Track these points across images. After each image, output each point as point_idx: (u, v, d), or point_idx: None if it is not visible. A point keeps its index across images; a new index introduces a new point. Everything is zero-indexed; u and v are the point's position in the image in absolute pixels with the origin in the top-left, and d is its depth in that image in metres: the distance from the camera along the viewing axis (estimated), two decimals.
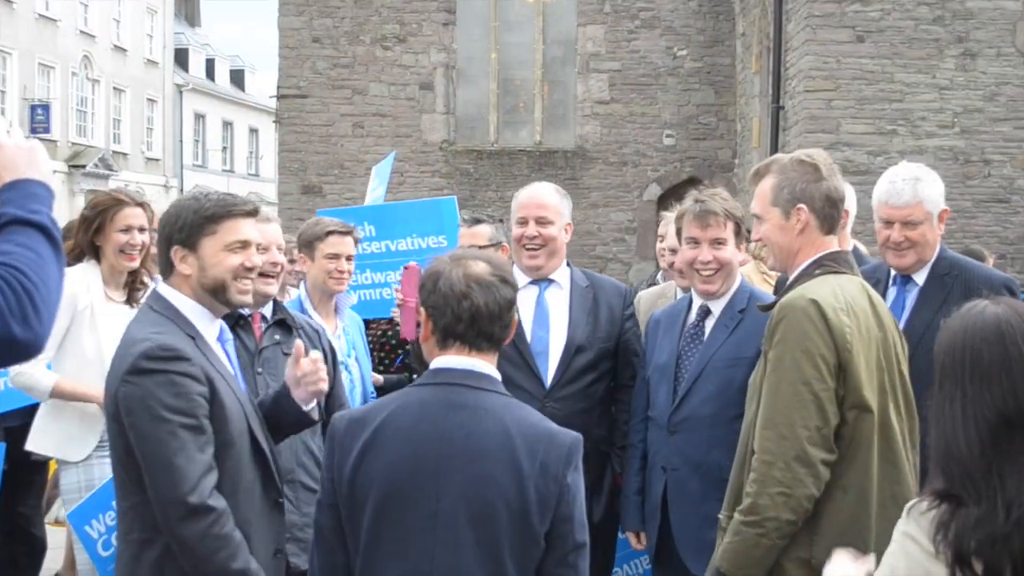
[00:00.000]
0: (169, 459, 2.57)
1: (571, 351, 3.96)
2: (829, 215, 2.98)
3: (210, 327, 2.86)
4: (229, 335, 2.99)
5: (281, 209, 16.83)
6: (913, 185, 3.65)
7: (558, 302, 4.03)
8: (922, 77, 13.31)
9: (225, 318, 3.38)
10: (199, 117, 44.19)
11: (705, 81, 17.92)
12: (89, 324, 4.13)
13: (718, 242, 3.62)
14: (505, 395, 2.38)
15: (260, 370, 3.53)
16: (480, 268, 2.37)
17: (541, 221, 3.98)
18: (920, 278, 3.77)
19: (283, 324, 3.69)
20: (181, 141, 41.94)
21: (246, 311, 3.60)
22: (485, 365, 2.38)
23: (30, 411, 4.50)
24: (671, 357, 3.66)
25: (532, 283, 4.03)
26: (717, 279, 3.63)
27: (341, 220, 4.69)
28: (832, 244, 3.01)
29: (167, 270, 2.84)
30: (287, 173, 17.97)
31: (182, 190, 40.94)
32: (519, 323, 3.74)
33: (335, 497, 2.37)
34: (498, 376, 2.40)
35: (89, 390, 4.09)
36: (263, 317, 3.68)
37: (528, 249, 3.98)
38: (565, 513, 2.30)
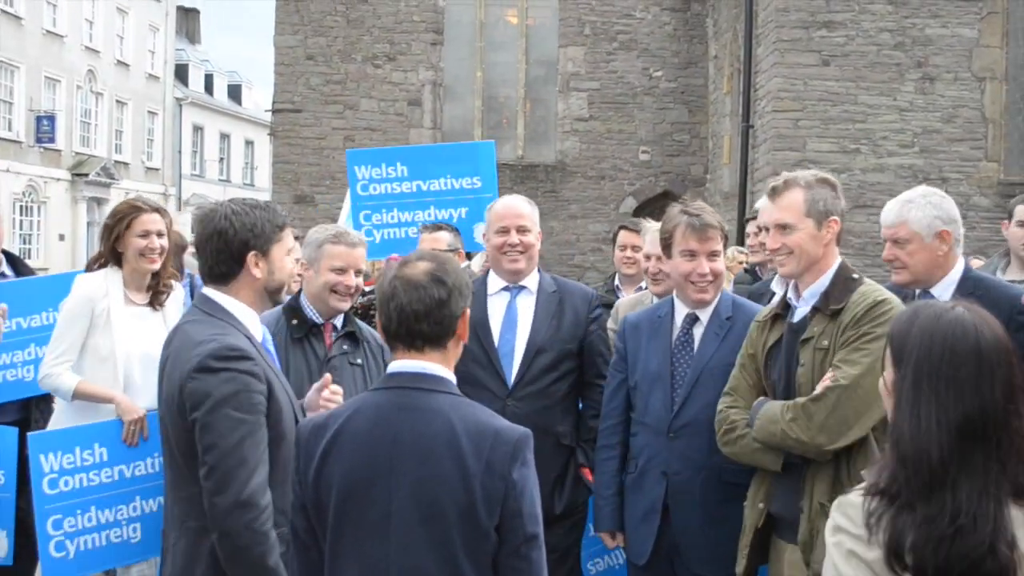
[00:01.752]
0: (228, 451, 2.60)
1: (532, 352, 3.98)
2: (842, 228, 3.20)
3: (258, 329, 2.91)
4: (270, 336, 3.08)
5: None
6: (901, 206, 3.64)
7: (526, 306, 4.06)
8: (884, 99, 13.32)
9: (298, 326, 3.64)
10: (197, 129, 44.10)
11: (679, 100, 17.95)
12: (104, 326, 4.12)
13: (714, 254, 3.60)
14: (455, 395, 2.36)
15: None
16: (415, 270, 2.36)
17: (521, 229, 4.04)
18: (945, 295, 3.65)
19: (352, 336, 3.76)
20: (180, 152, 41.88)
21: (319, 320, 3.69)
22: (435, 366, 2.36)
23: (26, 405, 4.53)
24: (663, 364, 3.61)
25: (504, 289, 4.07)
26: (711, 289, 3.62)
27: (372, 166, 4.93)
28: (837, 255, 3.19)
29: (228, 275, 2.85)
30: (281, 183, 18.00)
31: (180, 198, 41.00)
32: (487, 326, 3.94)
33: (304, 499, 2.38)
34: (450, 376, 2.38)
35: (108, 392, 4.08)
36: (334, 328, 3.75)
37: (510, 256, 4.01)
38: (513, 508, 2.27)
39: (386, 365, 3.32)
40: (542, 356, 4.00)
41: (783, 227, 3.20)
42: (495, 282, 4.07)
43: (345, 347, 3.70)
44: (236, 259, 2.84)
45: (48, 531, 3.63)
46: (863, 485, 1.80)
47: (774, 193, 3.23)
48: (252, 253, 2.84)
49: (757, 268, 5.75)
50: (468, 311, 2.40)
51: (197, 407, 2.65)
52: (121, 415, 3.96)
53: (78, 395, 4.12)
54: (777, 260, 3.28)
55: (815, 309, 3.15)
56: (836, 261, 3.18)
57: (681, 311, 3.68)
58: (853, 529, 1.76)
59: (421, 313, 2.32)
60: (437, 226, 5.36)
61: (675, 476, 3.53)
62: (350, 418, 2.35)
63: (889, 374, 1.85)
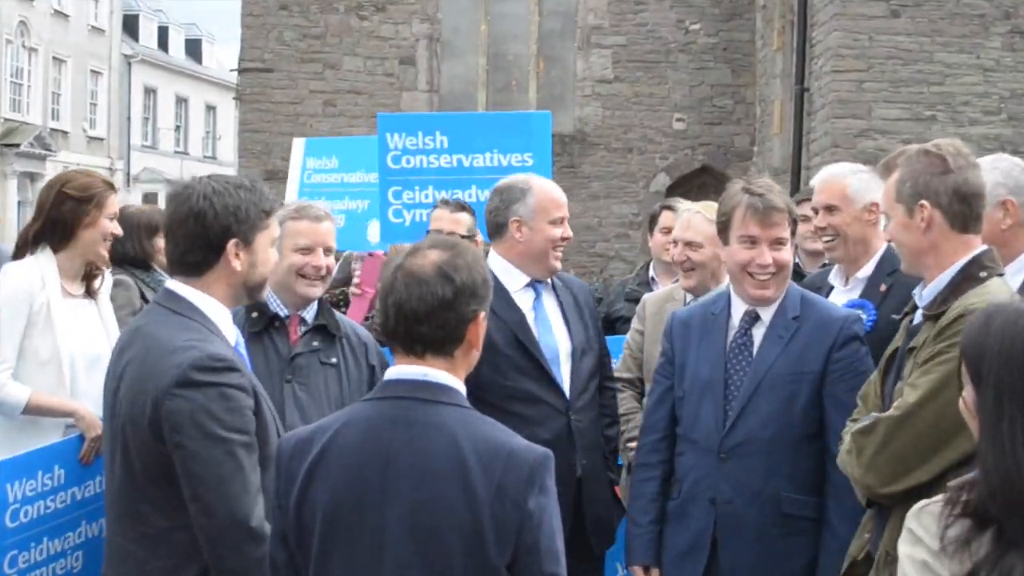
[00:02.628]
0: (226, 481, 2.63)
1: (578, 356, 4.06)
2: (960, 212, 3.02)
3: (231, 331, 2.92)
4: (242, 339, 3.06)
5: None
6: None
7: (552, 304, 4.12)
8: (965, 57, 13.27)
9: (258, 318, 3.62)
10: (150, 92, 44.18)
11: (721, 59, 17.87)
12: (44, 323, 4.13)
13: (779, 242, 3.58)
14: (463, 407, 2.37)
15: (290, 377, 3.61)
16: (422, 261, 2.38)
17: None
18: (1015, 280, 3.62)
19: (325, 331, 3.74)
20: (129, 119, 41.94)
21: (283, 312, 3.69)
22: (439, 373, 2.37)
23: None
24: (716, 370, 3.60)
25: (528, 285, 4.10)
26: (773, 284, 3.60)
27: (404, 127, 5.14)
28: (976, 244, 3.06)
29: (202, 265, 2.86)
30: (249, 156, 17.88)
31: (129, 174, 41.20)
32: (527, 329, 3.97)
33: (285, 528, 2.41)
34: (458, 386, 2.40)
35: (67, 404, 4.07)
36: (302, 320, 3.74)
37: (558, 252, 4.07)
38: (529, 543, 2.26)
39: (373, 368, 3.68)
40: (585, 359, 4.08)
41: (885, 215, 3.26)
42: (517, 278, 4.07)
43: (315, 343, 3.70)
44: (214, 247, 2.84)
45: (5, 570, 3.65)
46: (943, 496, 1.86)
47: (884, 172, 3.25)
48: (233, 241, 2.84)
49: (799, 260, 5.70)
50: (483, 315, 2.42)
51: (179, 429, 2.64)
52: (84, 431, 3.97)
53: (30, 409, 4.10)
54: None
55: (925, 314, 3.10)
56: (970, 253, 3.04)
57: (739, 308, 3.67)
58: (929, 541, 1.83)
59: (421, 314, 2.34)
60: (460, 205, 5.41)
61: (725, 504, 3.52)
62: (338, 432, 2.37)
63: (968, 392, 1.87)
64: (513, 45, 18.35)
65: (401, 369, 2.39)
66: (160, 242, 5.15)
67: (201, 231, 2.83)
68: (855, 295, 3.98)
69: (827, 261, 4.61)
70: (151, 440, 2.69)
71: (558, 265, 4.07)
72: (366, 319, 5.17)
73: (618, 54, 17.92)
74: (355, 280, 5.83)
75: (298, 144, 6.96)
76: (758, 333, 3.62)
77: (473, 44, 18.32)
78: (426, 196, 5.86)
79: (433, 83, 18.06)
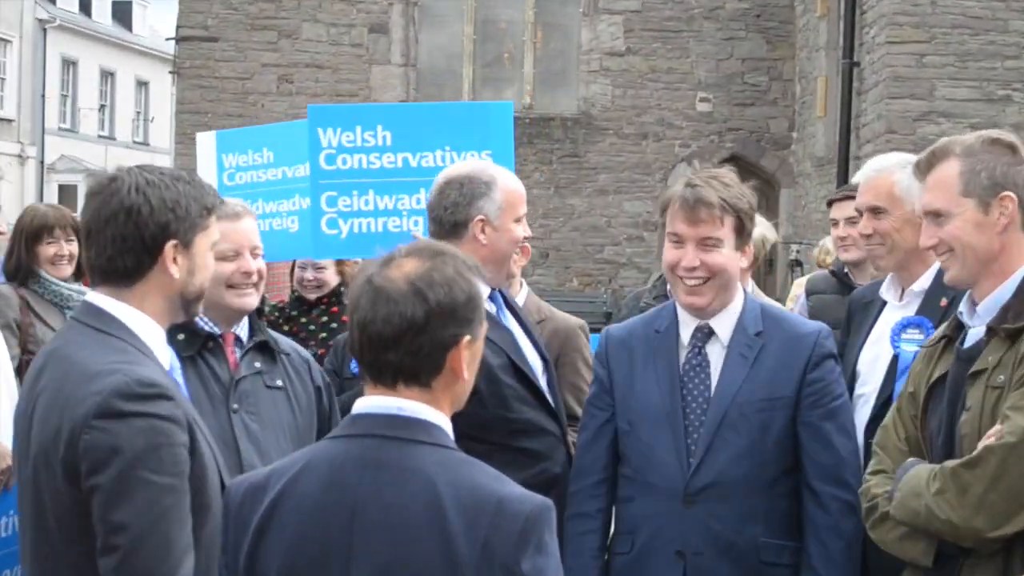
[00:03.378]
0: (146, 532, 2.63)
1: (547, 372, 4.16)
2: None
3: (166, 354, 2.95)
4: (177, 364, 3.09)
5: None
6: None
7: (509, 315, 4.20)
8: None
9: (187, 340, 3.63)
10: (69, 64, 43.61)
11: (753, 27, 18.07)
12: None
13: (708, 242, 3.62)
14: (445, 447, 2.40)
15: (236, 407, 3.62)
16: (395, 273, 2.40)
17: None
18: None
19: (266, 348, 3.79)
20: (43, 96, 41.54)
21: (217, 330, 3.73)
22: (418, 407, 2.40)
23: None
24: (670, 398, 3.65)
25: (489, 297, 4.14)
26: (706, 291, 3.65)
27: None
28: None
29: (133, 273, 2.88)
30: (188, 142, 16.99)
31: (43, 162, 40.65)
32: (521, 351, 4.02)
33: None
34: (441, 422, 2.43)
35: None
36: (237, 339, 3.79)
37: (519, 257, 4.20)
38: None
39: (319, 391, 3.79)
40: (549, 372, 4.18)
41: (935, 215, 3.22)
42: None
43: (257, 364, 3.75)
44: (148, 250, 2.85)
45: None
46: None
47: (925, 168, 3.25)
48: (172, 243, 2.87)
49: (848, 270, 5.75)
50: (467, 339, 2.43)
51: (99, 469, 2.64)
52: None
53: None
54: (941, 262, 3.33)
55: (990, 330, 3.15)
56: None
57: (688, 324, 3.74)
58: None
59: (388, 338, 2.37)
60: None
61: (695, 556, 3.55)
62: (297, 477, 2.40)
63: None
64: (505, 10, 18.52)
65: (371, 402, 2.42)
66: (50, 248, 5.63)
67: (134, 230, 2.84)
68: (911, 311, 4.00)
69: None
70: (63, 481, 2.70)
71: (517, 271, 4.20)
72: None
73: (631, 21, 18.05)
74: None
75: (206, 139, 6.82)
76: (714, 352, 3.69)
77: (457, 9, 18.46)
78: (366, 203, 5.86)
79: (409, 56, 18.25)
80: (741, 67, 18.15)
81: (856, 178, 4.45)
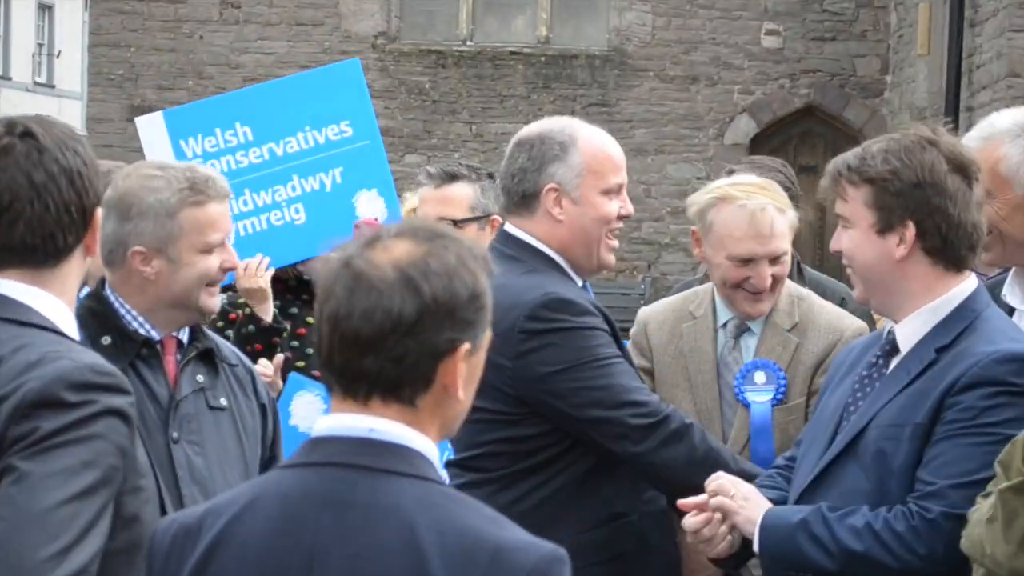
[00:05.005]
0: (48, 509, 2.62)
1: None
2: None
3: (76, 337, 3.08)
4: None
5: (95, 146, 15.68)
6: None
7: None
8: None
9: (115, 348, 3.70)
10: None
11: None
12: None
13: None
14: (428, 480, 2.36)
15: (176, 435, 3.63)
16: (382, 257, 2.34)
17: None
18: None
19: (208, 358, 3.83)
20: None
21: (155, 335, 3.77)
22: (396, 428, 2.35)
23: None
24: (835, 412, 3.67)
25: None
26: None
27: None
28: None
29: (59, 254, 2.87)
30: (104, 84, 18.11)
31: None
32: None
33: None
34: (424, 448, 2.36)
35: None
36: (180, 345, 3.85)
37: (614, 235, 4.28)
38: None
39: (264, 409, 3.93)
40: None
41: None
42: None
43: (200, 378, 3.74)
44: (87, 220, 2.89)
45: None
46: None
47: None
48: (99, 210, 2.95)
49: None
50: (466, 348, 2.34)
51: (20, 446, 2.64)
52: None
53: None
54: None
55: None
56: None
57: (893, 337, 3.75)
58: None
59: (366, 338, 2.30)
60: (450, 174, 5.47)
61: None
62: (239, 518, 2.34)
63: None
64: None
65: (337, 421, 2.38)
66: None
67: (78, 199, 2.87)
68: None
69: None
70: None
71: (611, 259, 4.24)
72: None
73: None
74: None
75: (151, 123, 6.73)
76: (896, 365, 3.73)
77: None
78: (244, 203, 6.19)
79: None
80: None
81: (967, 138, 4.14)
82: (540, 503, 3.78)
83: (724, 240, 4.13)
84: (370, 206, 6.08)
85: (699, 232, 4.32)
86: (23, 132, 2.82)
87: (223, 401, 3.74)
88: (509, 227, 4.20)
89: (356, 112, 6.18)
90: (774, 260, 4.36)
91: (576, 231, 4.07)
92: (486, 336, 2.39)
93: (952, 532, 3.26)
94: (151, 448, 3.37)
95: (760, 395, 4.11)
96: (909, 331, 3.50)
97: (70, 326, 2.87)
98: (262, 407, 3.82)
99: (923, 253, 3.45)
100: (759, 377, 4.16)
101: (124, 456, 2.73)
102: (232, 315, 5.95)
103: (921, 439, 3.41)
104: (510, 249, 3.90)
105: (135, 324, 3.70)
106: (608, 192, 4.06)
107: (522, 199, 4.08)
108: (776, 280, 4.17)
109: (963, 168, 3.48)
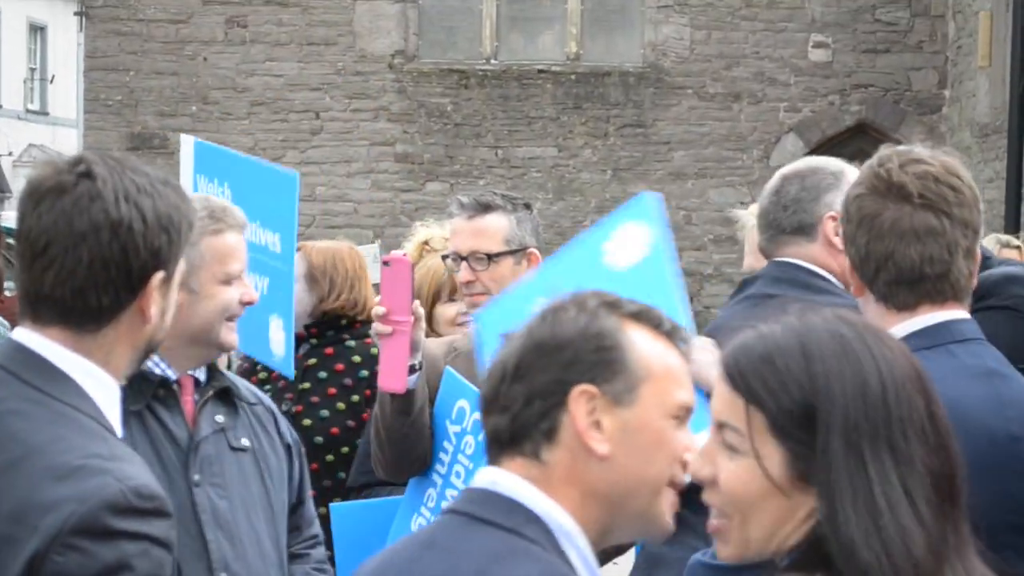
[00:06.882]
0: None
1: None
2: None
3: (117, 420, 2.89)
4: (119, 424, 3.18)
5: None
6: None
7: None
8: None
9: (140, 388, 3.72)
10: None
11: None
12: None
13: None
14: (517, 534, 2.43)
15: (198, 478, 3.69)
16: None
17: None
18: None
19: (226, 397, 3.88)
20: None
21: (171, 374, 3.83)
22: (519, 484, 2.44)
23: None
24: None
25: None
26: None
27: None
28: None
29: (106, 313, 2.76)
30: (102, 110, 18.04)
31: None
32: None
33: None
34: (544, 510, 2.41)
35: None
36: (197, 384, 3.90)
37: None
38: None
39: (289, 449, 4.01)
40: None
41: None
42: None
43: (220, 418, 3.79)
44: (132, 283, 2.75)
45: None
46: None
47: None
48: (160, 274, 2.79)
49: None
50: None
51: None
52: None
53: None
54: None
55: None
56: None
57: None
58: None
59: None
60: (483, 204, 5.18)
61: None
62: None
63: (775, 453, 2.15)
64: None
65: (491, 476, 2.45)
66: None
67: (120, 254, 2.73)
68: None
69: None
70: None
71: None
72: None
73: None
74: (377, 309, 5.19)
75: (186, 142, 6.31)
76: None
77: None
78: None
79: None
80: (871, 0, 17.35)
81: None
82: None
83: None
84: (276, 334, 5.68)
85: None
86: (84, 172, 2.69)
87: (245, 442, 3.78)
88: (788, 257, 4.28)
89: (286, 230, 5.77)
90: None
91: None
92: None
93: None
94: (172, 493, 3.32)
95: None
96: None
97: (112, 408, 2.77)
98: (287, 447, 3.89)
99: None
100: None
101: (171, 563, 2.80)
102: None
103: None
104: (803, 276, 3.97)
105: (151, 363, 3.71)
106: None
107: (797, 229, 4.20)
108: None
109: None
